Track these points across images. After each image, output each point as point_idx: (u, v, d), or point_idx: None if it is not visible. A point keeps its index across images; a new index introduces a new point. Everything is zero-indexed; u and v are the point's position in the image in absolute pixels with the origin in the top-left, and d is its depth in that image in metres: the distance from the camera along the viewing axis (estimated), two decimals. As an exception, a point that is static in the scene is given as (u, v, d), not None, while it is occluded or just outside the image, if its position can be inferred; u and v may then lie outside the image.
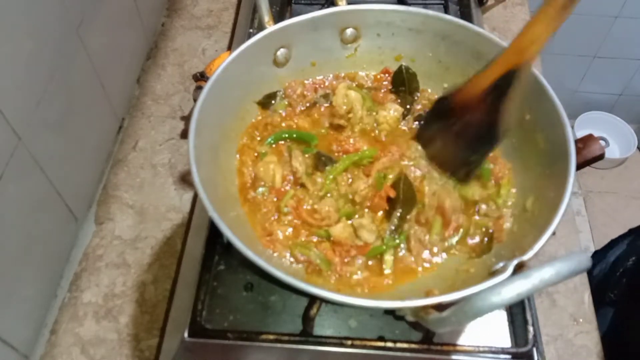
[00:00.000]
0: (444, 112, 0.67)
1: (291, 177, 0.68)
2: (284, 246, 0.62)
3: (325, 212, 0.64)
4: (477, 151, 0.64)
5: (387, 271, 0.62)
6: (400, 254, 0.63)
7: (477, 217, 0.65)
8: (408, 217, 0.64)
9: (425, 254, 0.63)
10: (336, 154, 0.70)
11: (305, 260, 0.61)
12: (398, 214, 0.64)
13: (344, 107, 0.73)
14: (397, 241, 0.63)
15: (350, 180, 0.68)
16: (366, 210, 0.66)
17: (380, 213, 0.65)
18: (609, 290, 1.14)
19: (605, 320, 1.09)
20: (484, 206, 0.65)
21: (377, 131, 0.73)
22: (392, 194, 0.65)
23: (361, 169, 0.68)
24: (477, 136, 0.64)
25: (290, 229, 0.64)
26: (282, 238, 0.63)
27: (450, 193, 0.66)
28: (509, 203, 0.66)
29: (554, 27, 0.56)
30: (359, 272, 0.61)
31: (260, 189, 0.67)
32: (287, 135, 0.72)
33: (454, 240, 0.63)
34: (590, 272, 0.82)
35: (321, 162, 0.68)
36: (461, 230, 0.64)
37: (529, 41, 0.57)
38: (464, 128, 0.65)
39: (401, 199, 0.65)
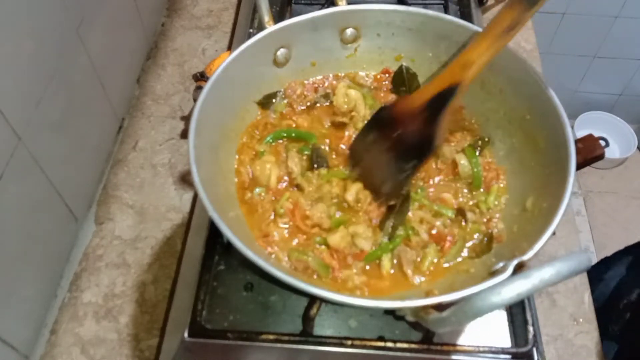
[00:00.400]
0: (383, 121, 0.67)
1: (286, 178, 0.68)
2: (281, 248, 0.62)
3: (317, 218, 0.64)
4: (409, 163, 0.64)
5: (385, 272, 0.62)
6: (396, 261, 0.63)
7: (468, 226, 0.65)
8: (401, 227, 0.64)
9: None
10: (335, 156, 0.70)
11: (303, 266, 0.61)
12: (391, 224, 0.64)
13: (345, 107, 0.73)
14: (391, 246, 0.63)
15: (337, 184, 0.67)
16: (361, 215, 0.65)
17: (375, 221, 0.65)
18: (613, 322, 1.11)
19: (609, 356, 1.07)
20: (470, 214, 0.65)
21: None
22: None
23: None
24: (412, 147, 0.64)
25: (287, 231, 0.64)
26: (278, 240, 0.63)
27: (436, 212, 0.65)
28: (498, 208, 0.66)
29: (495, 49, 0.59)
30: (356, 278, 0.61)
31: (257, 189, 0.67)
32: (286, 134, 0.72)
33: (453, 252, 0.63)
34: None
35: (315, 160, 0.68)
36: (457, 242, 0.63)
37: (470, 61, 0.60)
38: (401, 139, 0.65)
39: (396, 209, 0.64)
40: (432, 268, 0.62)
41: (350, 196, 0.65)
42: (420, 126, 0.63)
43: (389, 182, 0.65)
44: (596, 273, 1.22)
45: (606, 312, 0.95)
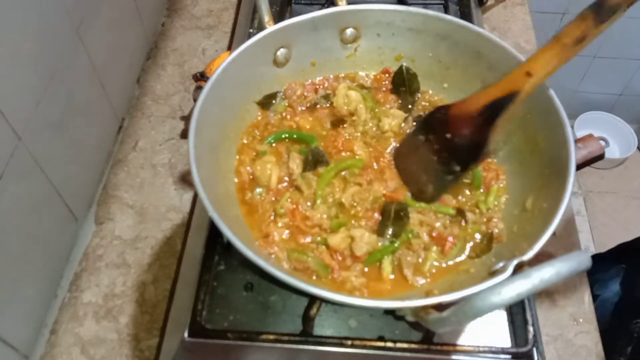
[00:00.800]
0: (436, 123, 0.66)
1: (287, 179, 0.68)
2: (281, 248, 0.62)
3: (317, 219, 0.64)
4: (456, 167, 0.64)
5: (386, 273, 0.62)
6: (396, 263, 0.63)
7: (469, 226, 0.65)
8: (402, 234, 0.64)
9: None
10: (333, 154, 0.70)
11: (303, 267, 0.61)
12: (390, 231, 0.63)
13: (345, 108, 0.73)
14: (392, 249, 0.63)
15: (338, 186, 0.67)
16: (361, 218, 0.65)
17: (373, 221, 0.65)
18: (616, 353, 1.09)
19: None
20: (470, 214, 0.65)
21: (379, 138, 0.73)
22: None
23: (354, 177, 0.68)
24: (462, 151, 0.63)
25: (287, 231, 0.64)
26: (278, 240, 0.63)
27: (435, 213, 0.66)
28: (497, 208, 0.66)
29: (560, 60, 0.56)
30: (354, 278, 0.61)
31: (258, 190, 0.67)
32: (287, 135, 0.72)
33: (454, 253, 0.63)
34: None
35: (313, 161, 0.68)
36: (458, 243, 0.63)
37: (533, 69, 0.57)
38: (452, 141, 0.64)
39: (392, 218, 0.64)
40: (433, 271, 0.62)
41: (345, 199, 0.65)
42: (474, 130, 0.62)
43: (432, 184, 0.65)
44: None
45: (608, 340, 0.92)
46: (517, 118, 0.68)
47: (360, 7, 0.73)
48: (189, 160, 0.57)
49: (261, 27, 0.70)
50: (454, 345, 0.63)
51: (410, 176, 0.67)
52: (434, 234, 0.64)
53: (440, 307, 0.49)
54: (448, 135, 0.64)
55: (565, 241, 0.83)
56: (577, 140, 0.62)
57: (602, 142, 2.05)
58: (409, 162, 0.68)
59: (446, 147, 0.65)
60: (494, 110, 0.60)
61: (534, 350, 0.63)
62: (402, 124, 0.73)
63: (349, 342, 0.63)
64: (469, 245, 0.63)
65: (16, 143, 0.65)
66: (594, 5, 0.54)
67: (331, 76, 0.78)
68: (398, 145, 0.71)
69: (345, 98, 0.73)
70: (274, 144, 0.71)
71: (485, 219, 0.65)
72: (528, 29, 1.14)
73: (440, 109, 0.67)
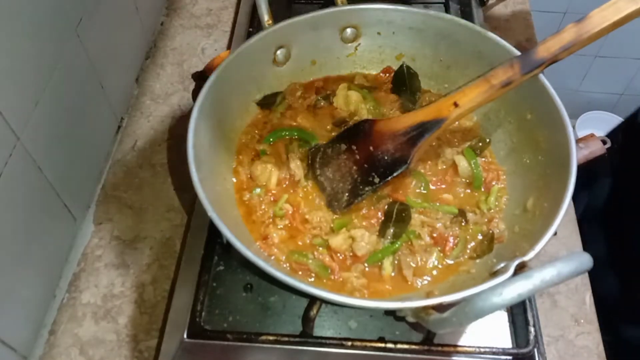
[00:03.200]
0: (360, 134, 0.68)
1: (287, 180, 0.68)
2: (280, 249, 0.62)
3: (316, 222, 0.63)
4: (375, 178, 0.65)
5: (386, 274, 0.61)
6: (397, 263, 0.62)
7: (470, 227, 0.64)
8: (403, 235, 0.64)
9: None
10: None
11: (302, 268, 0.61)
12: (391, 231, 0.64)
13: (345, 108, 0.73)
14: (393, 249, 0.62)
15: None
16: (364, 218, 0.65)
17: (374, 221, 0.65)
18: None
19: None
20: (471, 215, 0.65)
21: None
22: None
23: None
24: (383, 164, 0.65)
25: (285, 232, 0.64)
26: (278, 241, 0.63)
27: (437, 214, 0.65)
28: (498, 208, 0.65)
29: (485, 99, 0.61)
30: (355, 279, 0.60)
31: (257, 190, 0.66)
32: (287, 133, 0.71)
33: (455, 253, 0.63)
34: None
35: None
36: (459, 244, 0.63)
37: (460, 102, 0.61)
38: (374, 154, 0.66)
39: (394, 219, 0.64)
40: (434, 271, 0.61)
41: None
42: (396, 147, 0.65)
43: (348, 192, 0.66)
44: None
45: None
46: (518, 118, 0.68)
47: (361, 6, 0.73)
48: (188, 160, 0.57)
49: (261, 27, 0.70)
50: (455, 346, 0.63)
51: (327, 182, 0.68)
52: (434, 235, 0.63)
53: (441, 307, 0.49)
54: (371, 148, 0.66)
55: (567, 241, 0.83)
56: (578, 140, 0.61)
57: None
58: (328, 169, 0.68)
59: (368, 158, 0.66)
60: (419, 131, 0.63)
61: (535, 351, 0.63)
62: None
63: (349, 343, 0.62)
64: (469, 245, 0.63)
65: (14, 143, 0.65)
66: (521, 56, 0.60)
67: (332, 77, 0.78)
68: (318, 151, 0.70)
69: (345, 98, 0.73)
70: (271, 143, 0.71)
71: (486, 220, 0.64)
72: (529, 28, 1.14)
73: (366, 122, 0.68)
